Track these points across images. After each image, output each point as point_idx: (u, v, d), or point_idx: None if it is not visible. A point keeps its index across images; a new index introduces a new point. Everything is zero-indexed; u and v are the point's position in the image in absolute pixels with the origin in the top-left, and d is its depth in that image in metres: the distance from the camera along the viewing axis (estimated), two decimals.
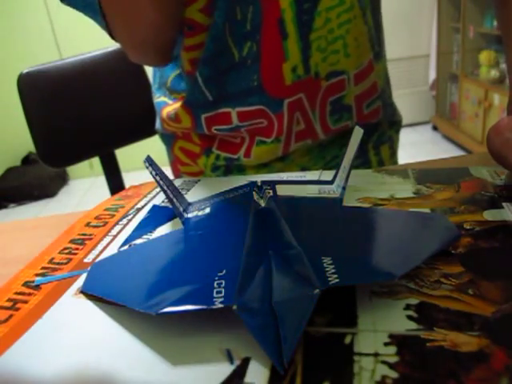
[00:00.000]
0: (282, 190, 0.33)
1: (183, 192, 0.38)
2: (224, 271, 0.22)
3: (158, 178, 0.31)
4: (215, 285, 0.21)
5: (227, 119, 0.50)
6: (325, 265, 0.22)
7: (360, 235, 0.26)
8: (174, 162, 0.61)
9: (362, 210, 0.30)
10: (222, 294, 0.21)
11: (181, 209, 0.32)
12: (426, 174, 0.35)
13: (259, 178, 0.39)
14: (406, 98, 2.62)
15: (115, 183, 1.03)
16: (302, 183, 0.35)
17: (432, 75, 2.65)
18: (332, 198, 0.32)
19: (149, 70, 1.19)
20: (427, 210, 0.30)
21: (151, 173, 0.31)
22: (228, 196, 0.33)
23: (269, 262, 0.24)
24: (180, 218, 0.31)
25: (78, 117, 0.96)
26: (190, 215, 0.32)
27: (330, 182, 0.34)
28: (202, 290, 0.21)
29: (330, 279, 0.20)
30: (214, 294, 0.21)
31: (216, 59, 0.47)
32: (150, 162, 0.31)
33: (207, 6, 0.45)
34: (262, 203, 0.31)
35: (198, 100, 0.50)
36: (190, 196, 0.37)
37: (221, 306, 0.20)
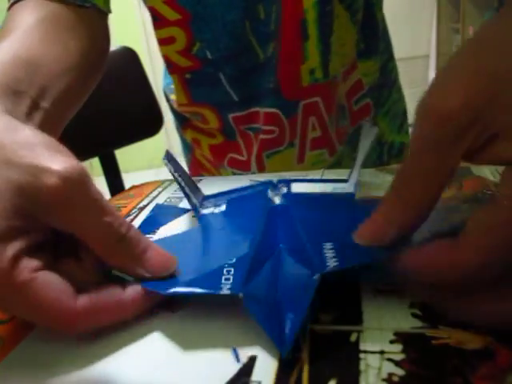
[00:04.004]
0: (297, 188, 0.33)
1: None
2: (234, 259, 0.23)
3: (176, 174, 0.31)
4: (224, 272, 0.22)
5: (256, 118, 0.50)
6: (325, 250, 0.22)
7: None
8: (195, 166, 0.61)
9: (374, 202, 0.29)
10: (231, 281, 0.21)
11: (198, 204, 0.32)
12: None
13: (265, 177, 0.39)
14: (406, 98, 2.62)
15: (115, 184, 1.03)
16: (318, 181, 0.35)
17: (432, 75, 2.65)
18: (345, 194, 0.32)
19: (149, 71, 1.19)
20: None
21: (170, 170, 0.31)
22: (244, 193, 0.34)
23: (278, 255, 0.24)
24: (196, 213, 0.32)
25: (78, 117, 0.96)
26: (205, 211, 0.32)
27: (345, 181, 0.34)
28: (211, 275, 0.22)
29: (328, 264, 0.20)
30: (223, 281, 0.21)
31: (239, 58, 0.46)
32: (169, 158, 0.31)
33: None
34: (277, 200, 0.31)
35: (222, 100, 0.49)
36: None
37: (228, 292, 0.20)
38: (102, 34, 0.40)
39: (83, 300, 0.20)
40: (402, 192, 0.20)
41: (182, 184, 0.31)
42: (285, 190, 0.33)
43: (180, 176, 0.32)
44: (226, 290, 0.20)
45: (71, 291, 0.20)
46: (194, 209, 0.32)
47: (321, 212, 0.29)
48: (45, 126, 0.27)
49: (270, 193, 0.32)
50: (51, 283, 0.20)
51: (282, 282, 0.22)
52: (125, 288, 0.21)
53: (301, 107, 0.48)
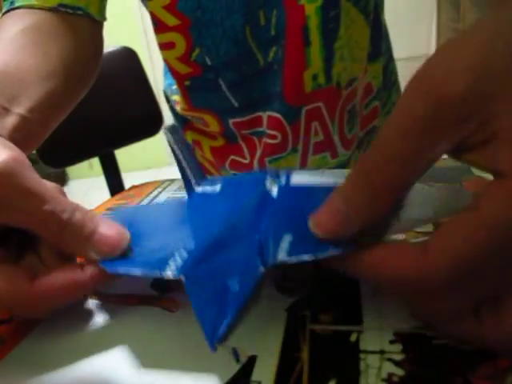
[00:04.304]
0: (297, 180, 0.30)
1: (182, 190, 0.38)
2: (193, 243, 0.22)
3: (175, 146, 0.30)
4: (176, 255, 0.20)
5: (259, 122, 0.50)
6: (281, 242, 0.20)
7: None
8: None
9: None
10: (178, 264, 0.20)
11: (193, 181, 0.31)
12: (428, 173, 0.35)
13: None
14: None
15: (115, 183, 1.03)
16: (321, 174, 0.33)
17: None
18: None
19: (149, 71, 1.19)
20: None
21: (169, 141, 0.30)
22: (244, 178, 0.32)
23: (245, 242, 0.22)
24: (187, 189, 0.31)
25: (78, 117, 0.96)
26: (199, 189, 0.31)
27: None
28: (160, 258, 0.21)
29: (279, 257, 0.19)
30: (170, 263, 0.20)
31: (239, 64, 0.46)
32: (171, 130, 0.30)
33: (172, 4, 0.43)
34: (274, 191, 0.30)
35: (222, 106, 0.49)
36: None
37: (169, 273, 0.19)
38: (93, 41, 0.40)
39: (38, 283, 0.21)
40: (374, 177, 0.17)
41: (180, 157, 0.31)
42: (283, 181, 0.32)
43: (180, 148, 0.31)
44: (168, 272, 0.19)
45: (26, 278, 0.21)
46: (187, 184, 0.31)
47: (301, 204, 0.26)
48: (22, 130, 0.28)
49: (268, 181, 0.31)
50: (3, 274, 0.21)
51: (233, 270, 0.21)
52: (83, 266, 0.22)
53: (303, 113, 0.48)
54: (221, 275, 0.20)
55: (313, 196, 0.27)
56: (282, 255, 0.19)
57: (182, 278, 0.19)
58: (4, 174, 0.20)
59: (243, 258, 0.21)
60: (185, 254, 0.20)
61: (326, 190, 0.28)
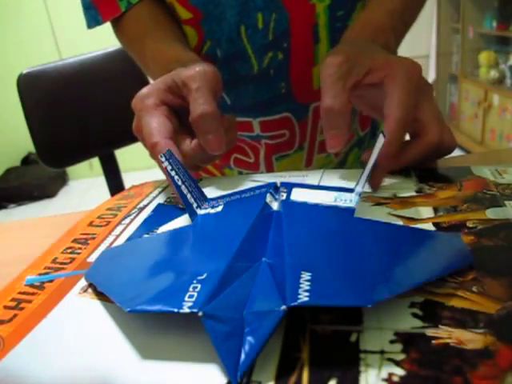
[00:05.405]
0: (297, 194, 0.32)
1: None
2: (205, 275, 0.22)
3: (173, 173, 0.31)
4: (190, 288, 0.21)
5: (249, 127, 0.50)
6: (301, 280, 0.21)
7: (354, 251, 0.24)
8: None
9: (371, 224, 0.28)
10: (193, 299, 0.20)
11: (194, 205, 0.32)
12: (427, 173, 0.36)
13: (266, 177, 0.39)
14: None
15: (115, 184, 1.03)
16: (322, 188, 0.33)
17: (431, 76, 2.65)
18: (344, 208, 0.30)
19: None
20: (430, 209, 0.30)
21: (166, 168, 0.31)
22: (244, 195, 0.33)
23: (257, 269, 0.23)
24: (190, 214, 0.31)
25: (78, 117, 0.96)
26: (202, 212, 0.32)
27: (350, 190, 0.32)
28: (175, 291, 0.21)
29: (300, 297, 0.20)
30: (186, 298, 0.20)
31: (233, 63, 0.47)
32: (167, 157, 0.31)
33: None
34: (275, 206, 0.31)
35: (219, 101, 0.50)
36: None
37: (188, 311, 0.19)
38: None
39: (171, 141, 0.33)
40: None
41: (179, 183, 0.31)
42: (284, 196, 0.32)
43: (177, 174, 0.31)
44: (186, 309, 0.20)
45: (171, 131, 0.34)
46: (189, 209, 0.31)
47: (313, 229, 0.27)
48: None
49: (268, 197, 0.31)
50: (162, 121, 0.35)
51: (251, 301, 0.21)
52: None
53: (311, 110, 0.49)
54: (237, 308, 0.21)
55: (316, 217, 0.29)
56: (304, 297, 0.20)
57: (200, 313, 0.19)
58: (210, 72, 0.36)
59: (256, 289, 0.22)
60: (198, 286, 0.21)
61: (327, 210, 0.30)
